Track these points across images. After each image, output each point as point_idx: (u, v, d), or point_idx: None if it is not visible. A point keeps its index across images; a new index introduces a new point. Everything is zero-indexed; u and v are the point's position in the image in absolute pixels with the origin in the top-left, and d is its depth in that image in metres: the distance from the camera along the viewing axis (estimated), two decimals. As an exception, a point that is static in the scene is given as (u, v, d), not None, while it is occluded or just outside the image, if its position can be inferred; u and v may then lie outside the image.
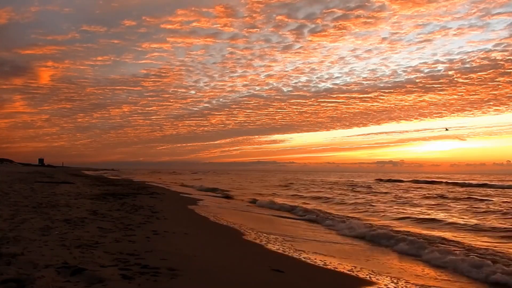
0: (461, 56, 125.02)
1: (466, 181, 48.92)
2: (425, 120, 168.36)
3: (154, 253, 6.20)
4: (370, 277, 6.52)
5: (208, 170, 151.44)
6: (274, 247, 8.58)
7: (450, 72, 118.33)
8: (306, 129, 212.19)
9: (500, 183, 44.23)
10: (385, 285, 6.09)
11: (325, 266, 7.08)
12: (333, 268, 6.97)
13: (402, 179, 60.88)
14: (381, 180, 59.23)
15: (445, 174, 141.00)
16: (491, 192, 32.45)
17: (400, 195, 28.32)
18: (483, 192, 32.25)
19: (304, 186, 41.14)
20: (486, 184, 43.00)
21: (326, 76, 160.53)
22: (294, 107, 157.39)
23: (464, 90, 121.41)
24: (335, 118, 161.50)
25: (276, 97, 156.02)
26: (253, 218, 14.49)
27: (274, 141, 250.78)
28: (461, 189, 35.44)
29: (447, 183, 46.40)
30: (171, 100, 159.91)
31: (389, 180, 56.96)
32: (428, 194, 28.88)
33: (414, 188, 38.23)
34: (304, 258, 7.64)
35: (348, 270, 6.87)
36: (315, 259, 7.62)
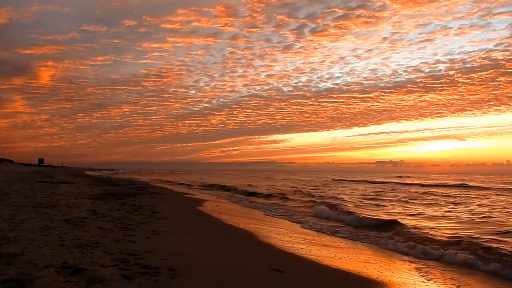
0: (462, 56, 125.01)
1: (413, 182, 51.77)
2: (426, 120, 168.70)
3: (154, 253, 6.19)
4: (377, 277, 6.52)
5: (191, 171, 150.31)
6: (273, 244, 8.59)
7: (451, 72, 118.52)
8: (306, 129, 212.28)
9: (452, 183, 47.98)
10: (392, 286, 6.09)
11: (327, 266, 7.08)
12: (335, 268, 6.97)
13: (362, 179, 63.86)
14: (335, 180, 62.22)
15: (444, 174, 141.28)
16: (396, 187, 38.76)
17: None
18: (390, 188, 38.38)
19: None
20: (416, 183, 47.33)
21: (327, 76, 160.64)
22: (295, 107, 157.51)
23: (464, 90, 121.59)
24: (336, 118, 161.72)
25: (276, 97, 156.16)
26: (252, 216, 14.49)
27: (274, 141, 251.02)
28: (373, 186, 42.35)
29: (395, 183, 49.22)
30: (171, 100, 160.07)
31: (344, 180, 60.98)
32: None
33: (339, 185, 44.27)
34: (305, 257, 7.64)
35: (350, 270, 6.87)
36: (316, 258, 7.63)
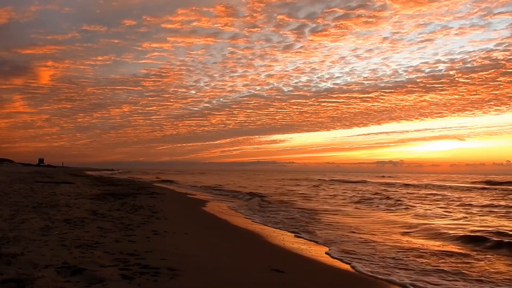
0: (462, 56, 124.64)
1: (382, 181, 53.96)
2: (426, 120, 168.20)
3: (154, 253, 6.19)
4: (374, 277, 6.52)
5: (183, 170, 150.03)
6: (272, 243, 8.59)
7: (451, 72, 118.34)
8: (306, 129, 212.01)
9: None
10: (387, 284, 6.09)
11: (327, 266, 7.08)
12: (335, 267, 6.97)
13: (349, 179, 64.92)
14: (320, 179, 63.12)
15: (445, 174, 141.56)
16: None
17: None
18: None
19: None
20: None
21: (327, 76, 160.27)
22: (295, 107, 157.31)
23: (465, 90, 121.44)
24: (336, 118, 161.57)
25: (276, 97, 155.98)
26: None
27: (274, 141, 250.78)
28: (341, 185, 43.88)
29: (373, 182, 50.66)
30: (171, 100, 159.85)
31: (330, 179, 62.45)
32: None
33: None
34: (305, 257, 7.65)
35: (351, 270, 6.87)
36: (316, 258, 7.64)
